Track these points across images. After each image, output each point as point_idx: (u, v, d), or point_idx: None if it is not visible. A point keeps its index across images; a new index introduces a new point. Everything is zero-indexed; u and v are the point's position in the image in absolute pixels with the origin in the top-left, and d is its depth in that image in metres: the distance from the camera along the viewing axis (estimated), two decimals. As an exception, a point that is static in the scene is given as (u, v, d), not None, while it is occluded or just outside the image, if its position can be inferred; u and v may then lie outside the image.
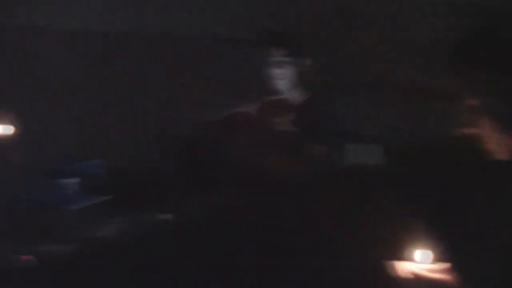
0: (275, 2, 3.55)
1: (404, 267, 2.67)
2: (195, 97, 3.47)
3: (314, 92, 3.57)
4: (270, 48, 3.55)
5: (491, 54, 2.89)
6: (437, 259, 2.64)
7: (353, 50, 3.58)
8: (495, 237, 2.62)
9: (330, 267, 3.07)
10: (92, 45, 3.48)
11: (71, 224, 3.32)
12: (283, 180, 3.38)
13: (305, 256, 3.15)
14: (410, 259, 2.67)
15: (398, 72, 3.56)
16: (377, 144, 3.56)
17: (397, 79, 3.56)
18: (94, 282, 3.15)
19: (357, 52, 3.58)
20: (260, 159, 3.43)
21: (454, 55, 3.07)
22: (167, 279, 3.16)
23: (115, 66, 3.48)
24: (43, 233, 3.25)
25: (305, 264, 3.13)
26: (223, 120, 3.51)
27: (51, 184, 3.35)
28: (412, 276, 2.66)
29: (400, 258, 2.70)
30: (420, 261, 2.65)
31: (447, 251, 2.63)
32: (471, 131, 2.92)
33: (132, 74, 3.48)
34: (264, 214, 3.27)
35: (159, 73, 3.51)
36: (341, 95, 3.57)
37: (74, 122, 3.42)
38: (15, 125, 3.32)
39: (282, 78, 3.56)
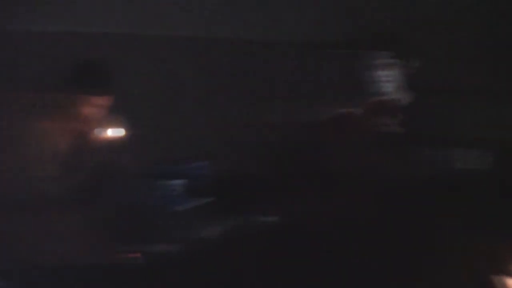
0: (384, 6, 3.51)
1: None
2: (301, 99, 3.48)
3: (420, 94, 3.53)
4: (377, 50, 3.52)
5: None
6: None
7: (460, 52, 3.53)
8: None
9: (433, 279, 3.04)
10: (208, 51, 3.51)
11: (176, 224, 3.37)
12: (386, 183, 3.36)
13: (406, 265, 3.13)
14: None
15: (502, 77, 3.50)
16: (483, 149, 3.50)
17: (502, 84, 3.50)
18: (198, 282, 3.20)
19: (463, 55, 3.53)
20: (364, 160, 3.41)
21: None
22: (270, 280, 3.18)
23: (221, 71, 3.51)
24: (149, 233, 3.32)
25: (406, 273, 3.11)
26: (329, 121, 3.50)
27: (157, 185, 3.41)
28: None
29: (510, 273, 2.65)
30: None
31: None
32: None
33: (237, 79, 3.50)
34: (366, 216, 3.25)
35: (265, 79, 3.53)
36: (447, 98, 3.52)
37: (180, 125, 3.46)
38: (124, 128, 3.39)
39: (389, 80, 3.53)
